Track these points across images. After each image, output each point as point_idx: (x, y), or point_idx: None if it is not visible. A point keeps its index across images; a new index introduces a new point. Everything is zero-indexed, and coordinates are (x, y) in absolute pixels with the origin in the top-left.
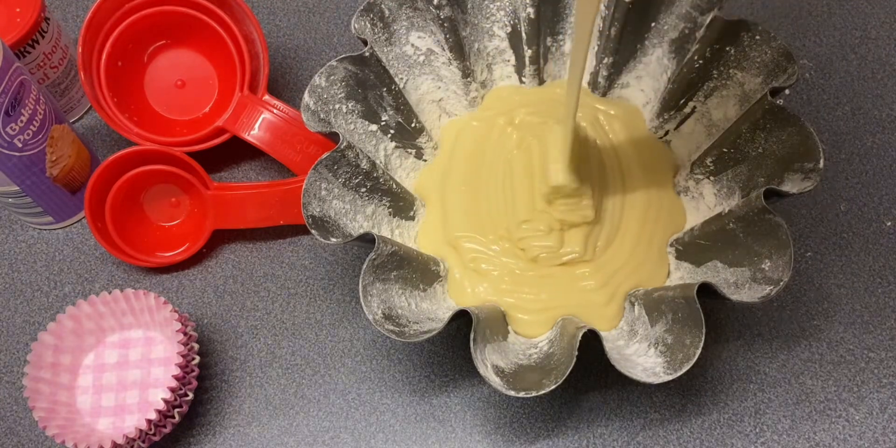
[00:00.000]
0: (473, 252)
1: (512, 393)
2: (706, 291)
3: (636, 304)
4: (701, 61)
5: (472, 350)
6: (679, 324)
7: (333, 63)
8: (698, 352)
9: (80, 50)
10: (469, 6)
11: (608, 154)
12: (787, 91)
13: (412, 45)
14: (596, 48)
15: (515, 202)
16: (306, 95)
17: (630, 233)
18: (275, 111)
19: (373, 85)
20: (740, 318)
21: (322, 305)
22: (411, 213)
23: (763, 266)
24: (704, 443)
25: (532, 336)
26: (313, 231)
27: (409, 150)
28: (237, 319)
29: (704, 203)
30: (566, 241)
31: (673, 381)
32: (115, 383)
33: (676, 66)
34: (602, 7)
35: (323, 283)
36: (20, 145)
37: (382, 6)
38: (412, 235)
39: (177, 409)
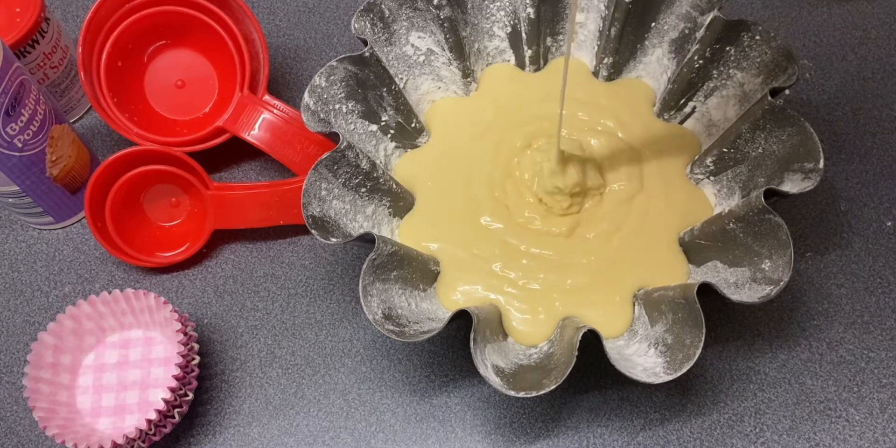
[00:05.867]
0: (449, 268)
1: (512, 393)
2: (706, 291)
3: (636, 303)
4: (701, 61)
5: (472, 350)
6: (679, 324)
7: (333, 63)
8: (698, 352)
9: (80, 50)
10: (469, 6)
11: (629, 135)
12: (787, 91)
13: (412, 45)
14: (596, 48)
15: (479, 209)
16: (306, 95)
17: (636, 228)
18: (275, 111)
19: (373, 85)
20: (740, 318)
21: (322, 305)
22: None
23: (763, 266)
24: (704, 443)
25: (531, 345)
26: (313, 231)
27: (410, 150)
28: (237, 319)
29: None
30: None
31: (673, 381)
32: (115, 383)
33: (676, 66)
34: (602, 7)
35: (323, 283)
36: (20, 145)
37: (382, 6)
38: None
39: (177, 409)
